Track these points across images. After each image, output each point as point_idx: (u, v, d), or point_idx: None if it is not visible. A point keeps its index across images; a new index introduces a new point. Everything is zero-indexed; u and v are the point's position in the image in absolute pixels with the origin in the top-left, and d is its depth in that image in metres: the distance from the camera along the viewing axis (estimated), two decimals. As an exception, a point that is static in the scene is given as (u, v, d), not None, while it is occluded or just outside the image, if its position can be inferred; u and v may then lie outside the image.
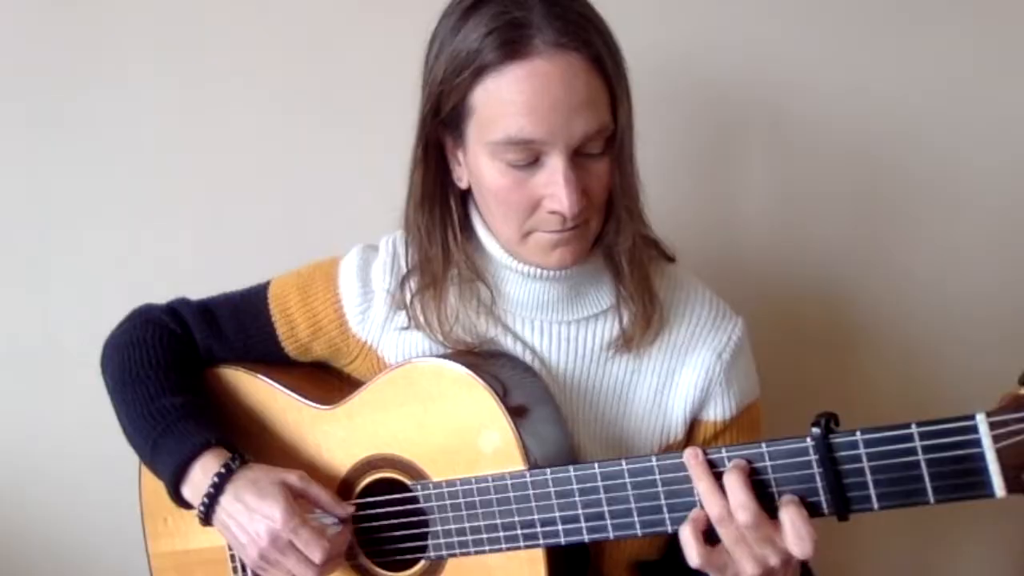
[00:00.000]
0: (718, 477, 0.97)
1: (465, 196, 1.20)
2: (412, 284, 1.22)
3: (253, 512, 1.10)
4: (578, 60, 1.05)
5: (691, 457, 0.99)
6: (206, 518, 1.14)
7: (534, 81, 1.04)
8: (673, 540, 1.26)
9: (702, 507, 0.99)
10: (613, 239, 1.17)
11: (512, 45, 1.04)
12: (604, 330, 1.21)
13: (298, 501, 1.14)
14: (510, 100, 1.04)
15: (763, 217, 1.67)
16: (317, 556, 1.10)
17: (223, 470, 1.13)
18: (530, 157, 1.07)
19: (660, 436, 1.22)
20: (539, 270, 1.17)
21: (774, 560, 0.96)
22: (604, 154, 1.10)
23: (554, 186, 1.07)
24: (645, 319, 1.18)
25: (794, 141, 1.65)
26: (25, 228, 1.69)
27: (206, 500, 1.13)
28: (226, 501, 1.12)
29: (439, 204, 1.18)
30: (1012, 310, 1.68)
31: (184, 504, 1.16)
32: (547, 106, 1.04)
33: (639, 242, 1.19)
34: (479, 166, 1.11)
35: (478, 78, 1.06)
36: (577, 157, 1.08)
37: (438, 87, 1.09)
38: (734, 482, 0.96)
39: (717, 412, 1.22)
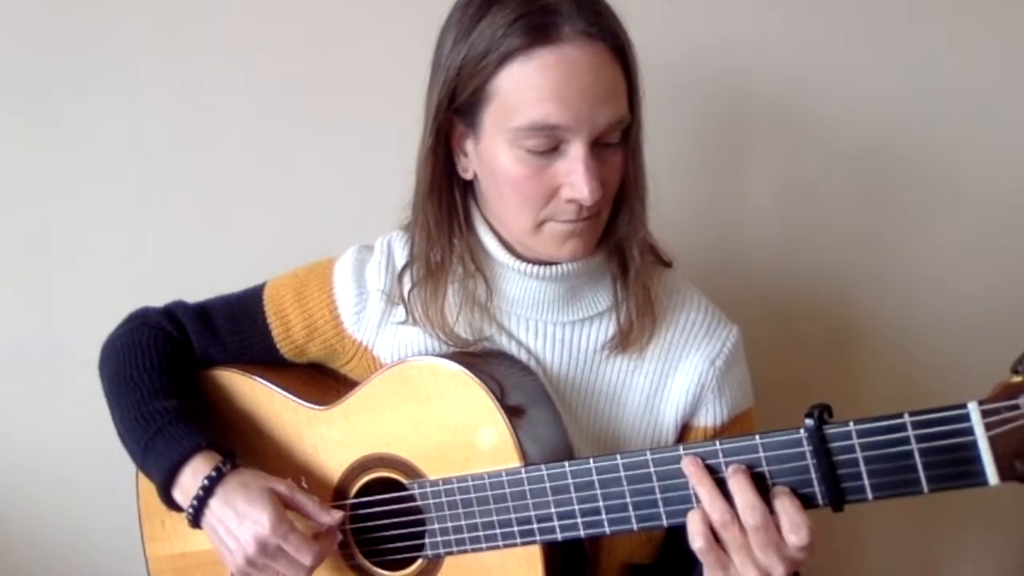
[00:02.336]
0: (718, 483, 0.97)
1: (466, 190, 1.21)
2: (412, 275, 1.22)
3: (242, 517, 1.10)
4: (604, 50, 1.06)
5: (690, 463, 0.99)
6: (195, 521, 1.14)
7: (562, 67, 1.04)
8: (666, 545, 1.26)
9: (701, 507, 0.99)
10: (625, 231, 1.17)
11: (541, 31, 1.04)
12: (600, 332, 1.21)
13: (286, 509, 1.14)
14: (537, 85, 1.05)
15: (763, 214, 1.68)
16: (307, 559, 1.11)
17: (213, 473, 1.13)
18: (550, 144, 1.07)
19: (651, 439, 1.22)
20: (538, 268, 1.17)
21: (779, 571, 0.95)
22: (619, 145, 1.11)
23: (574, 174, 1.07)
24: (642, 322, 1.19)
25: (794, 139, 1.66)
26: (26, 230, 1.70)
27: (195, 503, 1.12)
28: (215, 505, 1.12)
29: (446, 195, 1.18)
30: (1011, 308, 1.68)
31: (175, 507, 1.16)
32: (574, 93, 1.04)
33: (647, 236, 1.19)
34: (495, 154, 1.10)
35: (503, 64, 1.06)
36: (595, 147, 1.08)
37: (455, 74, 1.09)
38: (739, 484, 0.96)
39: (708, 418, 1.22)
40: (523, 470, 1.08)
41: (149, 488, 1.23)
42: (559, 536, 1.07)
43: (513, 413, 1.11)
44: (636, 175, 1.14)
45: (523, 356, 1.21)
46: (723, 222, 1.68)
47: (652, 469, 1.01)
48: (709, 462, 0.99)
